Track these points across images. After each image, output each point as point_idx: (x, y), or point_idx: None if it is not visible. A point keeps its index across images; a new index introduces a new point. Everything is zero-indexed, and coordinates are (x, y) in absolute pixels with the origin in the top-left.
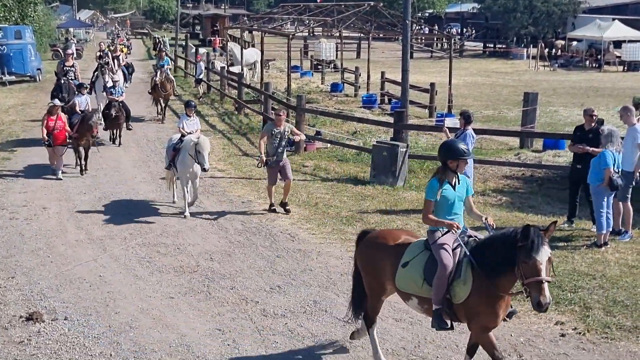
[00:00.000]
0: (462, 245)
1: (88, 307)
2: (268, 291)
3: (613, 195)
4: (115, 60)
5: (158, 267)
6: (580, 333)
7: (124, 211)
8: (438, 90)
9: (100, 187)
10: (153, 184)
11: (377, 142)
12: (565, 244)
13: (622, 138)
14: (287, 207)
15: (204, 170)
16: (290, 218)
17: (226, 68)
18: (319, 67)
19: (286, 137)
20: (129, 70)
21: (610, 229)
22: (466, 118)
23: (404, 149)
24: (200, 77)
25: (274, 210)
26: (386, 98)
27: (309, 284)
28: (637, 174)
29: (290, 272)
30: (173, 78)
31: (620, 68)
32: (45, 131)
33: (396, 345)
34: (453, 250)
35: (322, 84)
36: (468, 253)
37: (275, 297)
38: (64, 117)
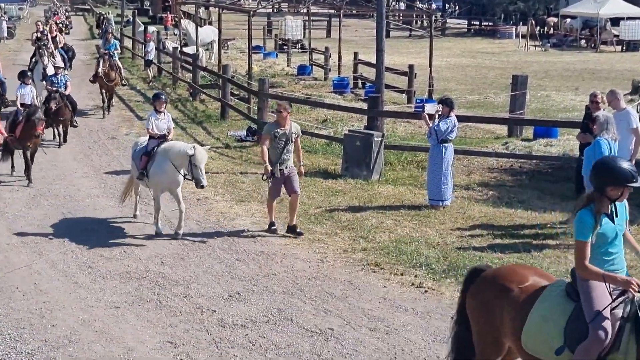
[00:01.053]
0: (629, 302)
1: (21, 319)
2: (226, 299)
3: None
4: (52, 43)
5: (101, 273)
6: None
7: (63, 210)
8: (417, 73)
9: (35, 183)
10: (96, 179)
11: (349, 131)
12: (558, 242)
13: None
14: (298, 230)
15: (201, 187)
16: (251, 217)
17: (179, 48)
18: (285, 47)
19: (293, 139)
20: (68, 54)
21: None
22: (449, 104)
23: (379, 139)
24: (150, 58)
25: (275, 231)
26: (359, 82)
27: (272, 290)
28: (633, 163)
29: (251, 277)
30: (120, 65)
31: (618, 48)
32: None
33: (370, 357)
34: (612, 310)
35: (287, 66)
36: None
37: (235, 305)
38: None
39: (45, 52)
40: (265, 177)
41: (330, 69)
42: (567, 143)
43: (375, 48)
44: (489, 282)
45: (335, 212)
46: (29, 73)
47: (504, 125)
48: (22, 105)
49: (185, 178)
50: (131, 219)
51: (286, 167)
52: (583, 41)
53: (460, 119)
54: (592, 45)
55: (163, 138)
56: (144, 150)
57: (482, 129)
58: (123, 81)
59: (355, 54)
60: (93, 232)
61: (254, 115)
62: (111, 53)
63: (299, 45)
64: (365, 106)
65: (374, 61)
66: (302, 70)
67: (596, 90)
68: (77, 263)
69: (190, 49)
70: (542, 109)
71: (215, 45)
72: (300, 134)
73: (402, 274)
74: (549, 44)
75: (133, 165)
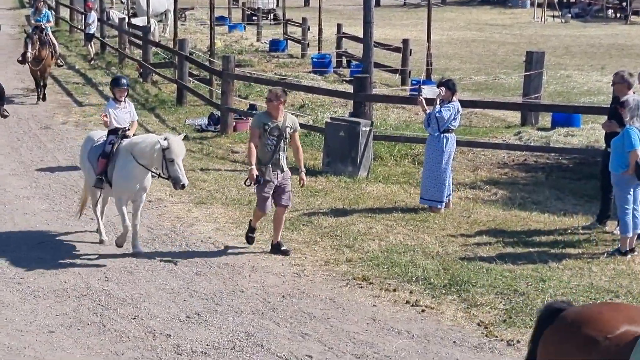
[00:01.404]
0: None
1: None
2: (184, 321)
3: None
4: None
5: (33, 290)
6: None
7: None
8: (413, 50)
9: None
10: (26, 178)
11: (331, 118)
12: (581, 251)
13: None
14: (283, 248)
15: (181, 187)
16: (214, 222)
17: (127, 20)
18: (254, 18)
19: (288, 134)
20: None
21: (638, 231)
22: (451, 87)
23: (368, 128)
24: (91, 32)
25: (252, 241)
26: (344, 60)
27: (239, 310)
28: None
29: (214, 294)
30: (55, 40)
31: None
32: None
33: None
34: None
35: (257, 41)
36: None
37: (194, 328)
38: None
39: None
40: (248, 182)
41: (308, 45)
42: (591, 133)
43: (362, 19)
44: (569, 328)
45: (315, 216)
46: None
47: (516, 112)
48: None
49: (159, 177)
50: (68, 225)
51: (280, 171)
52: (611, 11)
53: (465, 104)
54: (622, 15)
55: (124, 133)
56: (100, 149)
57: (491, 116)
58: (59, 61)
59: (339, 26)
60: (23, 241)
61: (217, 100)
62: (43, 26)
63: (271, 16)
64: (350, 89)
65: (360, 35)
66: (275, 45)
67: (622, 70)
68: (3, 279)
69: (140, 21)
70: (561, 92)
71: (170, 16)
72: (298, 129)
73: (394, 290)
74: (569, 15)
75: (87, 169)
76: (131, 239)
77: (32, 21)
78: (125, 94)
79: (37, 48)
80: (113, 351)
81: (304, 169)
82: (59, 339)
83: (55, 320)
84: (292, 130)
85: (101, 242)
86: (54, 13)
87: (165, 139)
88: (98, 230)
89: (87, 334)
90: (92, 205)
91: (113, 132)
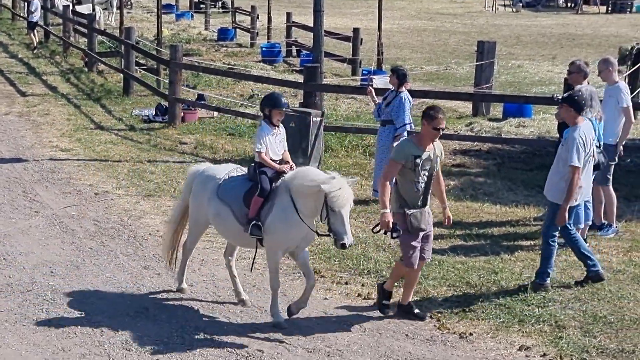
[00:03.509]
0: None
1: None
2: (132, 316)
3: (592, 178)
4: None
5: None
6: None
7: None
8: (364, 39)
9: None
10: None
11: None
12: (533, 243)
13: (602, 101)
14: (416, 311)
15: (341, 246)
16: (162, 214)
17: (71, 7)
18: (202, 6)
19: (437, 167)
20: None
21: (590, 222)
22: (400, 76)
23: (318, 119)
24: (35, 20)
25: (388, 309)
26: (294, 49)
27: (188, 305)
28: (621, 147)
29: (162, 288)
30: None
31: (603, 9)
32: None
33: None
34: None
35: (205, 29)
36: None
37: (142, 323)
38: None
39: None
40: (377, 229)
41: (257, 34)
42: (543, 123)
43: (312, 8)
44: None
45: None
46: None
47: (468, 102)
48: None
49: (317, 233)
50: (12, 219)
51: (427, 213)
52: (562, 0)
53: (416, 94)
54: (573, 4)
55: (282, 171)
56: (242, 185)
57: (442, 106)
58: None
59: (289, 14)
60: None
61: (165, 89)
62: None
63: (219, 4)
64: (300, 79)
65: (310, 24)
66: (224, 34)
67: (577, 59)
68: None
69: (84, 8)
70: (513, 82)
71: (116, 4)
72: (444, 156)
73: (346, 283)
74: (520, 4)
75: (217, 211)
76: (271, 303)
77: None
78: (283, 117)
79: None
80: (60, 347)
81: (447, 204)
82: (3, 335)
83: (0, 316)
84: (440, 160)
85: (242, 302)
86: None
87: (331, 178)
88: (180, 277)
89: (33, 330)
90: (187, 248)
91: (259, 163)
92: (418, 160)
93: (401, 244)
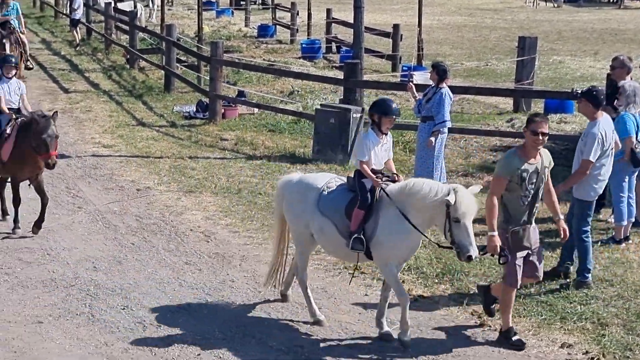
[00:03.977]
0: None
1: None
2: (174, 311)
3: (636, 174)
4: None
5: (20, 280)
6: (593, 358)
7: None
8: (404, 35)
9: None
10: None
11: (321, 105)
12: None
13: None
14: (515, 338)
15: (467, 259)
16: (203, 210)
17: (113, 5)
18: (242, 3)
19: (545, 178)
20: None
21: (633, 220)
22: (441, 72)
23: (358, 115)
24: (77, 17)
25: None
26: (333, 45)
27: (230, 301)
28: None
29: (204, 284)
30: (25, 39)
31: None
32: None
33: None
34: None
35: (245, 26)
36: None
37: (184, 319)
38: None
39: None
40: (485, 252)
41: (297, 30)
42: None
43: (352, 4)
44: None
45: None
46: (12, 59)
47: (508, 98)
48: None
49: (439, 245)
50: (56, 215)
51: (532, 230)
52: None
53: (456, 90)
54: (615, 0)
55: (378, 185)
56: (343, 197)
57: (483, 102)
58: (28, 62)
59: (329, 11)
60: (9, 230)
61: (205, 86)
62: (11, 21)
63: (259, 1)
64: (340, 75)
65: (350, 20)
66: (264, 31)
67: (621, 54)
68: None
69: (126, 5)
70: (554, 78)
71: (157, 1)
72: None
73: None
74: None
75: (320, 225)
76: (401, 319)
77: (1, 14)
78: (392, 125)
79: (14, 48)
80: (103, 342)
81: (561, 215)
82: (47, 329)
83: (44, 310)
84: (549, 171)
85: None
86: (19, 5)
87: (452, 190)
88: (310, 311)
89: (76, 325)
90: (300, 270)
91: (359, 174)
92: (525, 175)
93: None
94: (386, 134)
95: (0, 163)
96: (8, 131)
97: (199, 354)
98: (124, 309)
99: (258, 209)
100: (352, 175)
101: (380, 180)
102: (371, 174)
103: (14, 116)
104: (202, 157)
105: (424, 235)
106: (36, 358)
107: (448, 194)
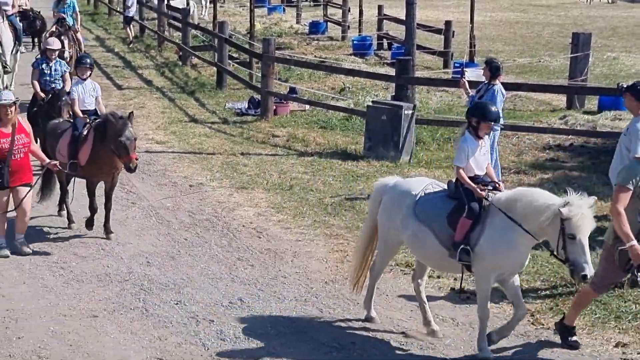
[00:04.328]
0: None
1: None
2: (226, 306)
3: None
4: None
5: (75, 275)
6: None
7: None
8: (456, 31)
9: None
10: None
11: (373, 102)
12: None
13: None
14: (574, 340)
15: (581, 279)
16: (255, 206)
17: (165, 2)
18: (293, 0)
19: None
20: (35, 24)
21: None
22: (493, 69)
23: (410, 112)
24: (131, 15)
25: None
26: (385, 42)
27: (281, 297)
28: None
29: (256, 280)
30: (81, 37)
31: None
32: None
33: None
34: None
35: (297, 23)
36: None
37: (236, 314)
38: (26, 126)
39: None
40: (632, 264)
41: (349, 27)
42: None
43: (404, 0)
44: None
45: (357, 201)
46: (87, 60)
47: (562, 95)
48: (86, 113)
49: (553, 254)
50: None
51: None
52: None
53: (509, 86)
54: None
55: (481, 197)
56: (442, 204)
57: (536, 99)
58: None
59: (380, 7)
60: (64, 226)
61: (257, 83)
62: (63, 16)
63: None
64: (392, 72)
65: (402, 16)
66: (315, 28)
67: None
68: (47, 263)
69: (178, 3)
70: (608, 74)
71: None
72: None
73: (438, 277)
74: None
75: (415, 232)
76: (478, 336)
77: (55, 12)
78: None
79: (75, 48)
80: (156, 336)
81: None
82: (102, 323)
83: (98, 304)
84: None
85: (432, 333)
86: (76, 3)
87: (566, 202)
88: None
89: (130, 319)
90: (377, 270)
91: (456, 182)
92: None
93: (602, 270)
94: (483, 138)
95: (78, 166)
96: (85, 133)
97: (251, 349)
98: (177, 303)
99: (310, 205)
100: (453, 180)
101: (483, 188)
102: (469, 181)
103: (88, 120)
104: (254, 154)
105: (536, 240)
106: (91, 352)
107: (563, 206)
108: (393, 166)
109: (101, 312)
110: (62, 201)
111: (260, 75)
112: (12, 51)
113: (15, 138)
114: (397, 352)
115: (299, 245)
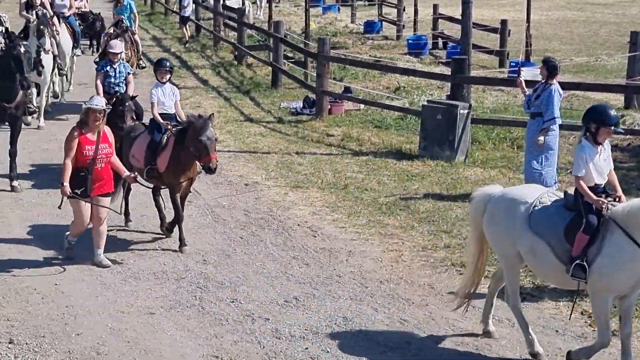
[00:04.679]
0: None
1: (40, 326)
2: (282, 305)
3: None
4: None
5: (133, 272)
6: None
7: None
8: (512, 30)
9: (49, 168)
10: None
11: (428, 101)
12: None
13: None
14: None
15: None
16: (310, 206)
17: (221, 2)
18: None
19: None
20: (94, 26)
21: None
22: (551, 68)
23: (465, 111)
24: (187, 15)
25: None
26: (440, 41)
27: (336, 295)
28: None
29: (311, 279)
30: (138, 39)
31: None
32: (69, 167)
33: None
34: None
35: (352, 22)
36: None
37: (292, 312)
38: (110, 136)
39: (48, 27)
40: None
41: (404, 26)
42: None
43: (460, 0)
44: None
45: (412, 201)
46: (166, 63)
47: (619, 95)
48: (168, 118)
49: None
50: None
51: None
52: None
53: (566, 86)
54: None
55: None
56: (569, 217)
57: (593, 98)
58: (140, 62)
59: (435, 6)
60: (122, 224)
61: (312, 82)
62: (122, 18)
63: None
64: (447, 71)
65: (458, 16)
66: (370, 27)
67: None
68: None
69: (234, 2)
70: None
71: None
72: None
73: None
74: None
75: (529, 247)
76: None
77: (115, 13)
78: (610, 135)
79: (129, 49)
80: (212, 334)
81: None
82: (159, 320)
83: (156, 302)
84: None
85: (487, 334)
86: (134, 5)
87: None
88: (530, 342)
89: (187, 317)
90: (512, 295)
91: (575, 193)
92: None
93: None
94: (602, 144)
95: (157, 173)
96: (165, 141)
97: (306, 348)
98: (232, 302)
99: (364, 205)
100: (569, 191)
101: (603, 201)
102: (589, 192)
103: (169, 126)
104: (309, 153)
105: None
106: (148, 348)
107: None
108: (448, 166)
109: (158, 310)
110: (175, 224)
111: (315, 74)
112: (70, 54)
113: (100, 147)
114: (453, 352)
115: (354, 244)
